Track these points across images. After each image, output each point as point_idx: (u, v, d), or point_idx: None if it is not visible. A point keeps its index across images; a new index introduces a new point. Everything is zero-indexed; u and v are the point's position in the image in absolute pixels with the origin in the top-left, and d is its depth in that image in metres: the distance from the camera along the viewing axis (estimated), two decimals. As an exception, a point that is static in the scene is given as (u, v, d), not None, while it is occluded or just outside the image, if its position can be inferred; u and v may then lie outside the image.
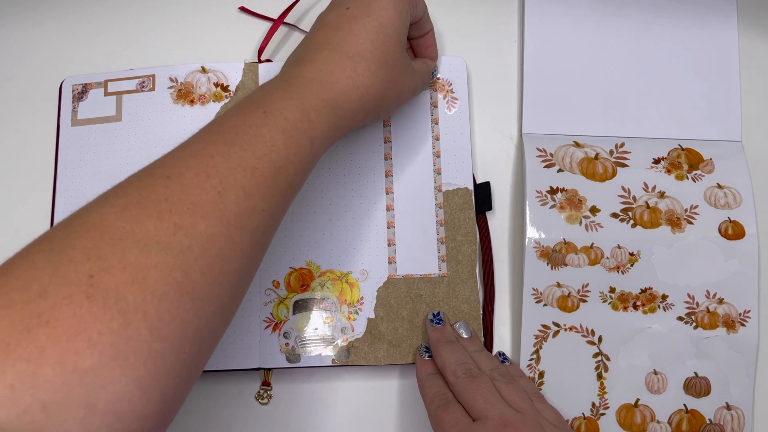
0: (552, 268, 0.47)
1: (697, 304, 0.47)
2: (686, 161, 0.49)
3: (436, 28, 0.54)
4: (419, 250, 0.49)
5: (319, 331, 0.48)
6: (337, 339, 0.48)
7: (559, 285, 0.48)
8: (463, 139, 0.51)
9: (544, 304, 0.47)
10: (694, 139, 0.50)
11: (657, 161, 0.49)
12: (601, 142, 0.50)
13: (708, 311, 0.47)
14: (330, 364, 0.47)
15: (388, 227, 0.50)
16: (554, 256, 0.47)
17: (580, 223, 0.48)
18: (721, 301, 0.47)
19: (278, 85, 0.38)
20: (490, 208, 0.50)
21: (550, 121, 0.51)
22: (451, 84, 0.52)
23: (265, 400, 0.48)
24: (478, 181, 0.51)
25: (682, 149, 0.50)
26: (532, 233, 0.48)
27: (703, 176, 0.49)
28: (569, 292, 0.47)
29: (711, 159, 0.50)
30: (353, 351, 0.47)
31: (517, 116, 0.53)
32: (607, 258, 0.48)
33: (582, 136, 0.51)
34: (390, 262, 0.49)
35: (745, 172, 0.49)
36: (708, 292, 0.47)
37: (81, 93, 0.52)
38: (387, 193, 0.50)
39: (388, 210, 0.50)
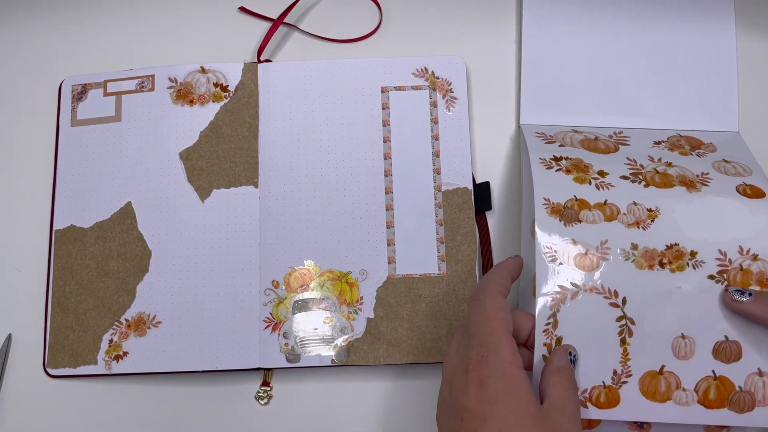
0: (565, 225, 0.43)
1: (730, 261, 0.43)
2: (687, 143, 0.49)
3: (435, 28, 0.54)
4: (419, 249, 0.49)
5: (319, 331, 0.48)
6: (337, 339, 0.48)
7: (574, 242, 0.43)
8: (463, 138, 0.51)
9: (560, 263, 0.43)
10: (692, 130, 0.50)
11: (657, 143, 0.49)
12: (600, 132, 0.50)
13: (741, 268, 0.43)
14: (330, 364, 0.47)
15: (388, 227, 0.50)
16: (566, 212, 0.44)
17: (590, 183, 0.45)
18: (755, 258, 0.43)
19: None
20: (489, 207, 0.50)
21: (548, 112, 0.51)
22: (450, 84, 0.52)
23: (265, 400, 0.48)
24: (478, 181, 0.51)
25: (681, 137, 0.50)
26: (540, 191, 0.44)
27: (707, 153, 0.47)
28: (587, 250, 0.43)
29: (711, 143, 0.49)
30: (353, 351, 0.47)
31: (516, 112, 0.53)
32: (624, 214, 0.43)
33: (580, 127, 0.50)
34: (389, 262, 0.49)
35: (747, 151, 0.48)
36: (741, 248, 0.43)
37: (80, 93, 0.53)
38: (386, 193, 0.50)
39: (387, 210, 0.50)
